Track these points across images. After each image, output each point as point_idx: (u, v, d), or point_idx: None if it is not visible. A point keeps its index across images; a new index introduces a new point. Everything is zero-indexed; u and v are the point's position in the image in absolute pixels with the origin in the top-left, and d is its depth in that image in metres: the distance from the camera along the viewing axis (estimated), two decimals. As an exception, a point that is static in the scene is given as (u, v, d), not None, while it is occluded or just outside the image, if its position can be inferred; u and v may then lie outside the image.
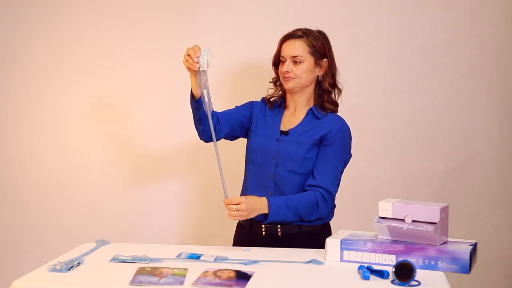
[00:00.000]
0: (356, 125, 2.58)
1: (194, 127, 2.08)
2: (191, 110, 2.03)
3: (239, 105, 2.20)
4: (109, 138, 2.80)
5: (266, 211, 1.95)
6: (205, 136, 2.08)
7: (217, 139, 2.05)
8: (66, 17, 2.77)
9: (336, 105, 2.13)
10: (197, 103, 1.97)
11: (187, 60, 1.87)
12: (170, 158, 2.78)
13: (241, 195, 2.16)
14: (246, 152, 2.17)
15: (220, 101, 2.54)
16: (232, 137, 2.17)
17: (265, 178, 2.06)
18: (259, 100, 2.21)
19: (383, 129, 2.73)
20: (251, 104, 2.19)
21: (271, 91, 2.19)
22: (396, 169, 2.73)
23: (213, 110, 1.99)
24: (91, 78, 2.78)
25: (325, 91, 2.10)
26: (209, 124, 1.97)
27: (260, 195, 2.00)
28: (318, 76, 2.09)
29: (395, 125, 2.72)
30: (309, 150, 2.03)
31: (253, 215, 1.93)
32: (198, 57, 1.85)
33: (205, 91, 1.91)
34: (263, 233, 2.05)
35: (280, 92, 2.17)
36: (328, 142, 2.03)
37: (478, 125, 2.71)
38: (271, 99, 2.17)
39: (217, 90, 2.69)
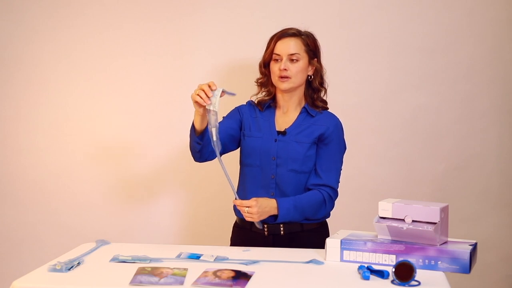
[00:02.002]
0: (356, 125, 2.60)
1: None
2: (189, 133, 1.99)
3: (228, 114, 2.18)
4: (109, 138, 2.80)
5: (275, 212, 1.97)
6: (200, 159, 2.06)
7: (211, 159, 2.07)
8: (65, 17, 2.77)
9: (325, 103, 2.14)
10: (198, 139, 1.95)
11: (198, 95, 1.81)
12: (170, 158, 2.78)
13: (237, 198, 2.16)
14: (241, 156, 2.16)
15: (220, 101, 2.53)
16: (224, 153, 2.16)
17: (265, 179, 2.06)
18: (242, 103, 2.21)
19: (383, 129, 2.73)
20: (238, 111, 2.18)
21: (259, 95, 2.17)
22: (396, 169, 2.73)
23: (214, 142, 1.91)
24: (90, 78, 2.78)
25: (315, 90, 2.11)
26: (206, 150, 1.99)
27: (261, 196, 2.00)
28: (308, 76, 2.10)
29: (395, 125, 2.72)
30: (309, 148, 2.04)
31: (263, 217, 1.95)
32: (211, 96, 1.81)
33: (214, 130, 1.86)
34: (266, 232, 2.05)
35: (265, 94, 2.15)
36: (327, 140, 2.05)
37: (478, 125, 2.71)
38: (261, 102, 2.16)
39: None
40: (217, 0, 2.72)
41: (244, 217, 1.92)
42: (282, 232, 2.04)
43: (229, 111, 2.21)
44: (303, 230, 2.05)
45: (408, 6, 2.68)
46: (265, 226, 2.05)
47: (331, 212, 2.12)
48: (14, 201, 2.84)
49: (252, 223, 2.06)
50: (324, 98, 2.15)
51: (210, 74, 2.70)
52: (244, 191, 2.11)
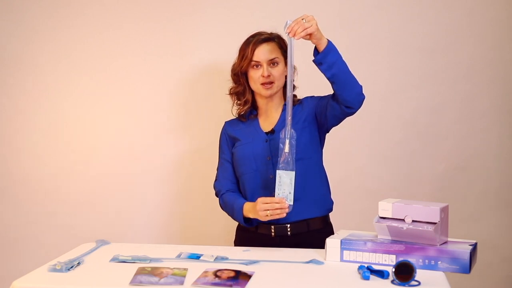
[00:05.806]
0: (356, 125, 2.59)
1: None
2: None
3: (222, 156, 2.18)
4: (109, 137, 2.80)
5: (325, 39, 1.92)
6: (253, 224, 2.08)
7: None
8: (65, 17, 2.77)
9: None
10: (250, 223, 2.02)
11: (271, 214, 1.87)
12: (171, 158, 2.78)
13: None
14: (236, 167, 2.13)
15: (220, 101, 2.53)
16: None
17: (264, 181, 2.06)
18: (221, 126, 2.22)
19: (383, 129, 2.73)
20: (226, 140, 2.17)
21: (235, 110, 2.16)
22: (396, 169, 2.73)
23: None
24: (90, 78, 2.78)
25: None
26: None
27: (262, 196, 1.97)
28: (285, 76, 2.10)
29: (395, 125, 2.72)
30: (301, 134, 2.02)
31: (315, 30, 1.88)
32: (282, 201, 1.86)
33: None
34: (272, 233, 2.04)
35: (241, 104, 2.13)
36: (315, 99, 2.09)
37: (478, 125, 2.71)
38: (241, 113, 2.15)
39: (216, 90, 2.69)
40: (217, 0, 2.73)
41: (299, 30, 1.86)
42: (289, 233, 2.03)
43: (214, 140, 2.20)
44: (309, 230, 2.04)
45: (408, 6, 2.68)
46: (273, 227, 2.04)
47: (331, 212, 2.12)
48: (14, 201, 2.83)
49: (257, 226, 2.05)
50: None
51: (210, 74, 2.70)
52: (245, 195, 2.10)
